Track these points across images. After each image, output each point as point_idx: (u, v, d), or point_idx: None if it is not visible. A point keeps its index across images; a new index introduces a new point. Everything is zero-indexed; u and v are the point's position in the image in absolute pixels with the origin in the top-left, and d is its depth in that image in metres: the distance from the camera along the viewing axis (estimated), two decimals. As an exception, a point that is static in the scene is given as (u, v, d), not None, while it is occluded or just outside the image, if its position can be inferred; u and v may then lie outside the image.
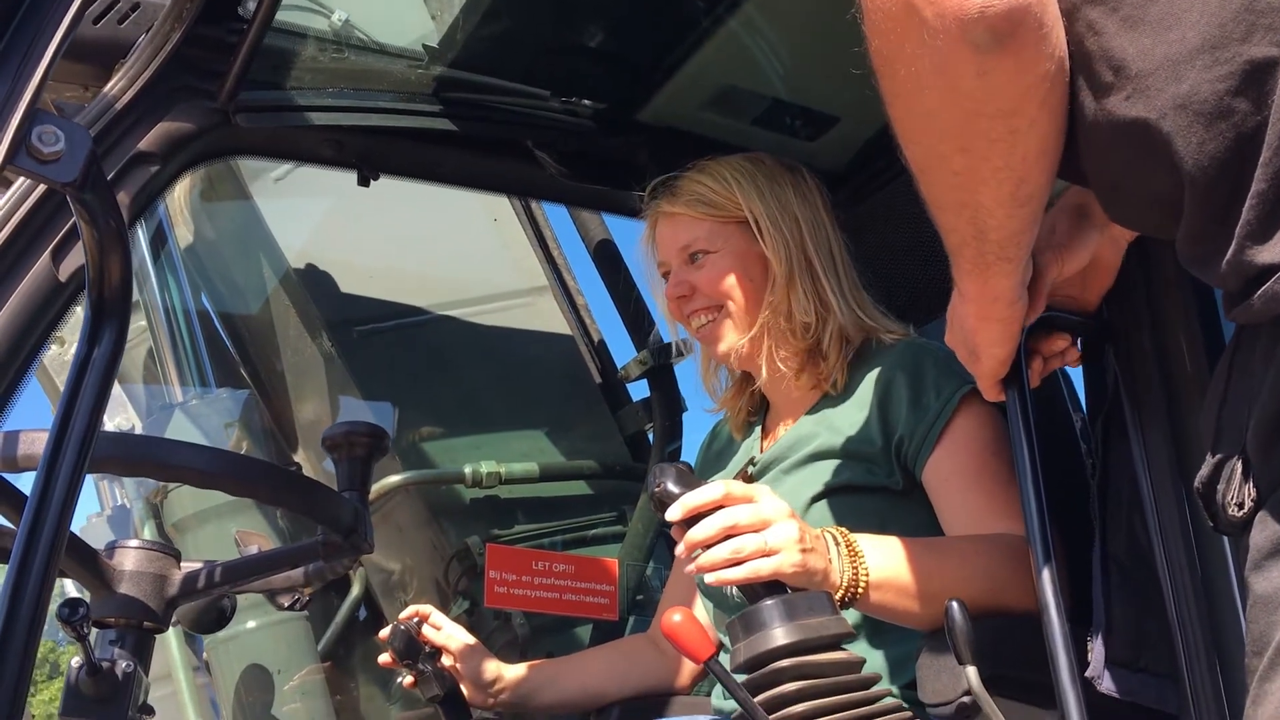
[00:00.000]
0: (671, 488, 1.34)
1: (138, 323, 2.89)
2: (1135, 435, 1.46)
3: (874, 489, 1.70)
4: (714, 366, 2.03)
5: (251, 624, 2.67)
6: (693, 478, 1.37)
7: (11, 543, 1.41)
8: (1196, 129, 0.98)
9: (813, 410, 1.84)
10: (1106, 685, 1.36)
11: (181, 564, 1.42)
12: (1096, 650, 1.38)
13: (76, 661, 1.23)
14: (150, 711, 1.38)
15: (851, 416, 1.76)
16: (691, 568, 1.35)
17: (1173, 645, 1.36)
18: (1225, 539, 1.35)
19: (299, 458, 2.90)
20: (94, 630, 1.23)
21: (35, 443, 1.22)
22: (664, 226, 1.94)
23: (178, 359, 2.85)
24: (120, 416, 2.84)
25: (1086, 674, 1.35)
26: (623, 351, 3.05)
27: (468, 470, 2.71)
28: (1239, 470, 1.03)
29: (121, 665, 1.25)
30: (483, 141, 2.45)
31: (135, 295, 2.76)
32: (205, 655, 2.79)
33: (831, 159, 2.50)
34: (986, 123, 1.09)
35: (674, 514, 1.35)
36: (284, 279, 2.90)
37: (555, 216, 3.18)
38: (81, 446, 0.98)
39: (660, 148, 2.49)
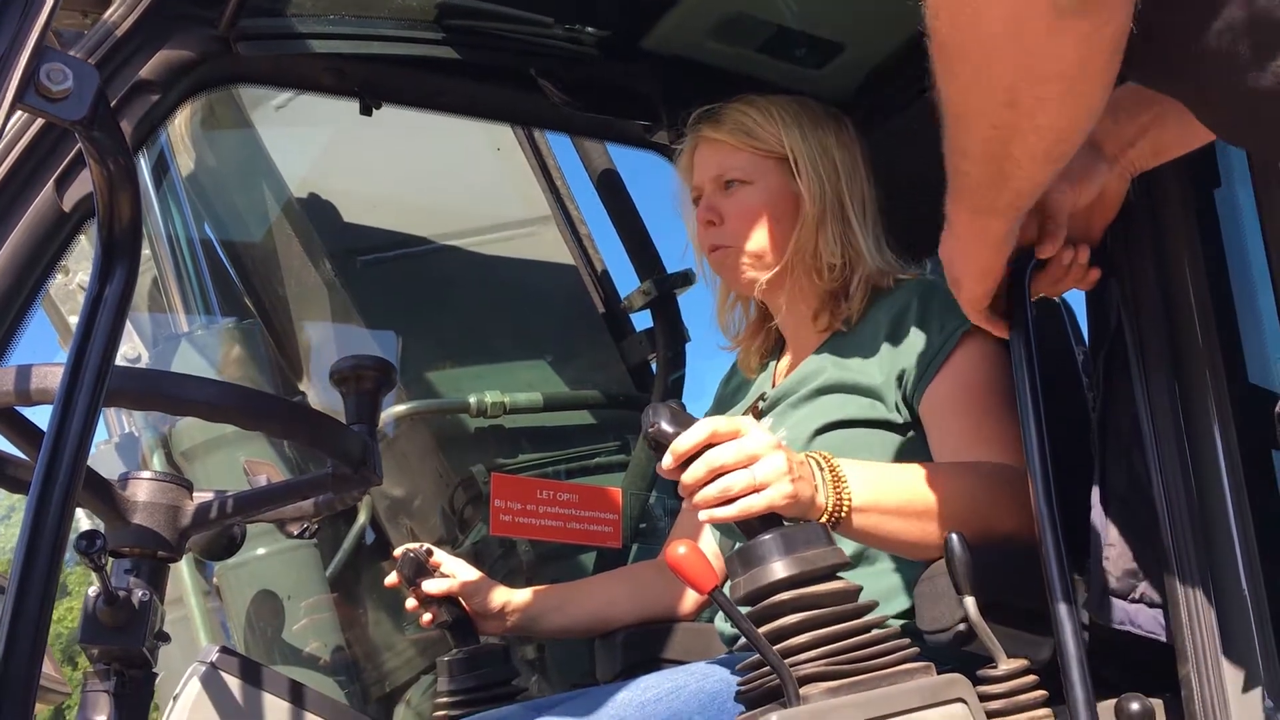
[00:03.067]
0: (665, 427, 1.36)
1: (142, 251, 2.89)
2: (1137, 369, 1.47)
3: (877, 423, 1.73)
4: (730, 303, 2.04)
5: (261, 551, 2.70)
6: (686, 416, 1.38)
7: (28, 475, 1.44)
8: None
9: (823, 346, 1.87)
10: (1104, 615, 1.39)
11: (194, 494, 1.44)
12: (1095, 580, 1.41)
13: (94, 590, 1.26)
14: (166, 638, 1.41)
15: (860, 352, 1.78)
16: (687, 506, 1.38)
17: (1169, 575, 1.39)
18: (1224, 475, 1.38)
19: (303, 386, 2.92)
20: (110, 560, 1.25)
21: (48, 376, 1.23)
22: (703, 151, 1.96)
23: (182, 289, 2.86)
24: (126, 345, 2.85)
25: (1083, 604, 1.38)
26: (626, 282, 3.05)
27: (472, 400, 2.73)
28: None
29: (138, 594, 1.28)
30: (486, 70, 2.43)
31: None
32: (215, 580, 2.83)
33: (837, 87, 2.48)
34: (1041, 84, 1.08)
35: (666, 463, 1.37)
36: (286, 208, 2.89)
37: (558, 146, 3.17)
38: (96, 383, 1.00)
39: (665, 76, 2.48)
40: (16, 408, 1.27)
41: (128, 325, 2.87)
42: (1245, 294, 1.52)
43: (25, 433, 1.30)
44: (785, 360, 1.99)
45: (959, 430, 1.65)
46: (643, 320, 2.99)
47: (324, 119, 2.93)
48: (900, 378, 1.72)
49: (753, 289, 1.92)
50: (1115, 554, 1.42)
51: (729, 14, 2.36)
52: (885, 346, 1.75)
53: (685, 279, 2.88)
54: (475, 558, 2.17)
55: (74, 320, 2.88)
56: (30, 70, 0.90)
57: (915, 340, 1.72)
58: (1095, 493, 1.46)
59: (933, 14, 1.09)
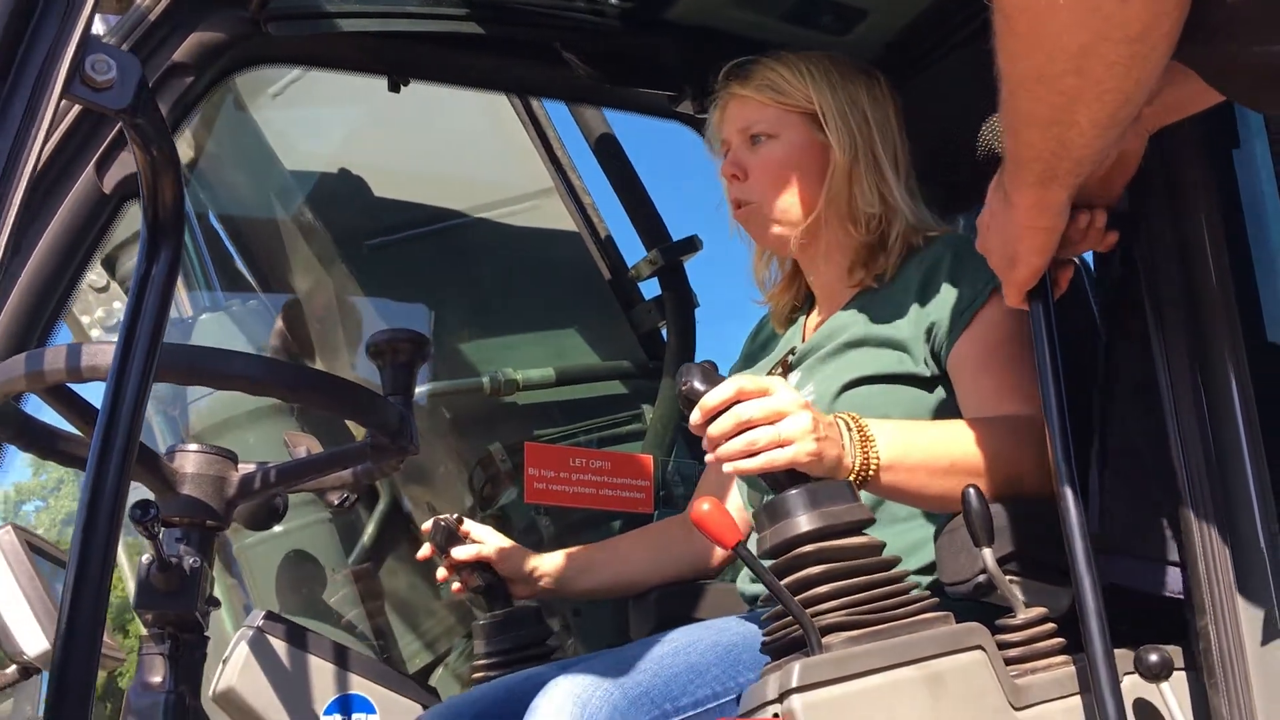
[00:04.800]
0: (697, 385, 1.40)
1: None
2: (1154, 325, 1.49)
3: (905, 377, 1.74)
4: (765, 258, 2.06)
5: (278, 529, 2.73)
6: (717, 375, 1.41)
7: (79, 449, 1.50)
8: None
9: (853, 302, 1.88)
10: (1105, 573, 1.41)
11: (238, 466, 1.49)
12: (1093, 538, 1.43)
13: (147, 558, 1.32)
14: (216, 604, 1.47)
15: (889, 307, 1.80)
16: (710, 458, 1.41)
17: (1185, 531, 1.41)
18: (1241, 430, 1.40)
19: (319, 367, 2.94)
20: (160, 529, 1.31)
21: (98, 354, 1.28)
22: (731, 106, 1.97)
23: (187, 277, 2.89)
24: None
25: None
26: (631, 249, 3.05)
27: (485, 380, 2.75)
28: None
29: (189, 561, 1.34)
30: (512, 44, 2.46)
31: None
32: (236, 557, 2.89)
33: (861, 53, 2.49)
34: (1111, 47, 1.09)
35: (694, 419, 1.41)
36: (287, 192, 2.88)
37: (557, 116, 3.13)
38: (147, 359, 1.05)
39: (689, 46, 2.49)
40: (68, 384, 1.33)
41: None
42: (1263, 253, 1.54)
43: (77, 408, 1.36)
44: (815, 315, 2.01)
45: (986, 384, 1.66)
46: (651, 288, 3.00)
47: (321, 101, 2.96)
48: (930, 331, 1.74)
49: (779, 245, 1.93)
50: (1117, 513, 1.45)
51: (753, -19, 2.38)
52: (916, 301, 1.76)
53: (691, 245, 2.89)
54: (500, 532, 2.20)
55: (85, 319, 2.92)
56: (76, 61, 0.95)
57: (946, 294, 1.74)
58: (1095, 450, 1.48)
59: None
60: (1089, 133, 1.20)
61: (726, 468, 1.39)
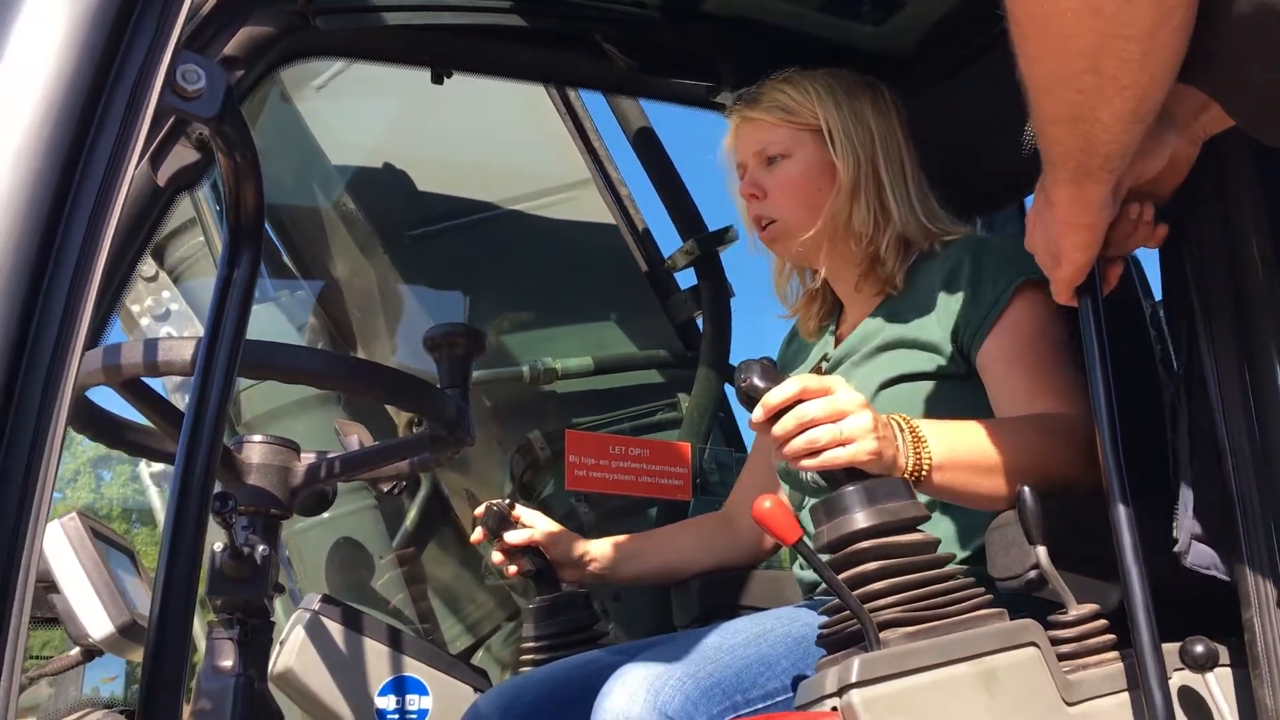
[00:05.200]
0: (757, 382, 1.42)
1: (195, 239, 2.95)
2: (1203, 326, 1.50)
3: (938, 375, 1.78)
4: (786, 272, 2.11)
5: (325, 515, 2.77)
6: (776, 373, 1.44)
7: (143, 438, 1.54)
8: None
9: (879, 309, 1.93)
10: (1191, 559, 1.43)
11: (300, 456, 1.53)
12: (1185, 526, 1.45)
13: (219, 546, 1.36)
14: (281, 589, 1.51)
15: (916, 310, 1.84)
16: (774, 458, 1.44)
17: (1232, 521, 1.43)
18: None
19: (361, 357, 2.97)
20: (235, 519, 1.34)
21: (173, 349, 1.32)
22: (744, 130, 2.03)
23: None
24: (189, 330, 2.93)
25: (1175, 549, 1.42)
26: (667, 240, 3.08)
27: (525, 369, 2.79)
28: None
29: (259, 549, 1.38)
30: (553, 36, 2.48)
31: (191, 214, 2.84)
32: (284, 542, 2.93)
33: (899, 42, 2.50)
34: (1122, 44, 1.11)
35: (756, 416, 1.43)
36: (329, 183, 2.92)
37: (594, 108, 3.16)
38: (230, 357, 1.08)
39: (728, 37, 2.51)
40: (143, 378, 1.37)
41: (188, 311, 2.96)
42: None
43: (149, 400, 1.40)
44: (844, 323, 2.05)
45: (1017, 382, 1.70)
46: (686, 278, 3.04)
47: (364, 94, 2.98)
48: (956, 331, 1.77)
49: (803, 258, 2.00)
50: (1199, 502, 1.46)
51: (790, -27, 2.39)
52: (940, 303, 1.80)
53: (727, 236, 2.92)
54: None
55: (135, 308, 2.95)
56: (170, 72, 0.98)
57: (969, 296, 1.77)
58: (1184, 442, 1.50)
59: None
60: (1114, 128, 1.23)
61: (790, 465, 1.41)
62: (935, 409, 1.73)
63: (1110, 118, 1.21)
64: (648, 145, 2.97)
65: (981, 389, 1.76)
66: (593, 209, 3.11)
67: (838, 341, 2.02)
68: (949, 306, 1.79)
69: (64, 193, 0.91)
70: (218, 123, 1.02)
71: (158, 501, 3.13)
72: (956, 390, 1.78)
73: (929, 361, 1.79)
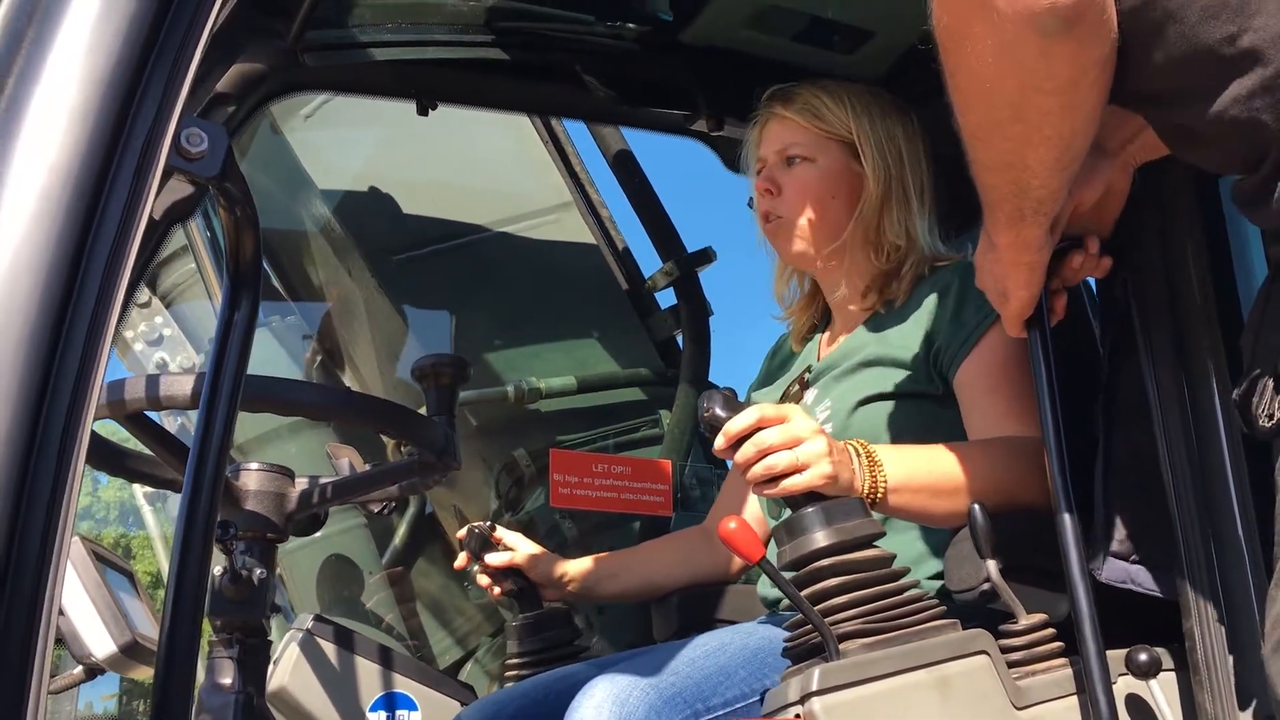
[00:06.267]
0: (719, 412, 1.51)
1: (187, 266, 3.02)
2: (1144, 348, 1.60)
3: (915, 395, 1.85)
4: (787, 275, 2.16)
5: (317, 534, 2.84)
6: (737, 402, 1.52)
7: (145, 466, 1.62)
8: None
9: (866, 324, 1.98)
10: (1106, 574, 1.53)
11: (295, 481, 1.61)
12: (1099, 543, 1.55)
13: (219, 569, 1.44)
14: (277, 610, 1.59)
15: (900, 330, 1.90)
16: (731, 478, 1.51)
17: (1172, 536, 1.53)
18: (1224, 447, 1.51)
19: (346, 379, 3.04)
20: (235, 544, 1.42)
21: (174, 385, 1.41)
22: (771, 125, 2.05)
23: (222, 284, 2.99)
24: (181, 355, 2.99)
25: (1090, 566, 1.52)
26: (647, 261, 3.16)
27: (510, 389, 2.86)
28: (1270, 387, 1.18)
29: (257, 573, 1.46)
30: (534, 68, 2.57)
31: (183, 241, 2.91)
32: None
33: (869, 71, 2.59)
34: (1043, 97, 1.21)
35: (718, 445, 1.52)
36: (316, 210, 2.99)
37: (575, 132, 3.23)
38: (232, 394, 1.16)
39: (703, 67, 2.60)
40: (146, 412, 1.45)
41: (180, 336, 3.03)
42: (1245, 276, 1.64)
43: (151, 432, 1.48)
44: (829, 335, 2.11)
45: (990, 406, 1.77)
46: (667, 298, 3.11)
47: (351, 122, 3.06)
48: (937, 353, 1.84)
49: (802, 261, 2.03)
50: (1118, 519, 1.56)
51: (763, 6, 2.48)
52: (924, 324, 1.87)
53: (705, 257, 3.01)
54: (525, 535, 2.31)
55: (129, 334, 3.01)
56: (176, 136, 1.06)
57: (953, 319, 1.84)
58: (1099, 463, 1.60)
59: (940, 47, 1.23)
60: (1041, 174, 1.32)
61: (754, 490, 1.50)
62: (910, 427, 1.80)
63: (1038, 164, 1.30)
64: (628, 169, 3.05)
65: (956, 410, 1.83)
66: (575, 231, 3.19)
67: (821, 353, 2.08)
68: (932, 328, 1.86)
69: (80, 250, 0.99)
70: (219, 181, 1.10)
71: (151, 518, 3.20)
72: (931, 410, 1.85)
73: (908, 381, 1.85)
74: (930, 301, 1.88)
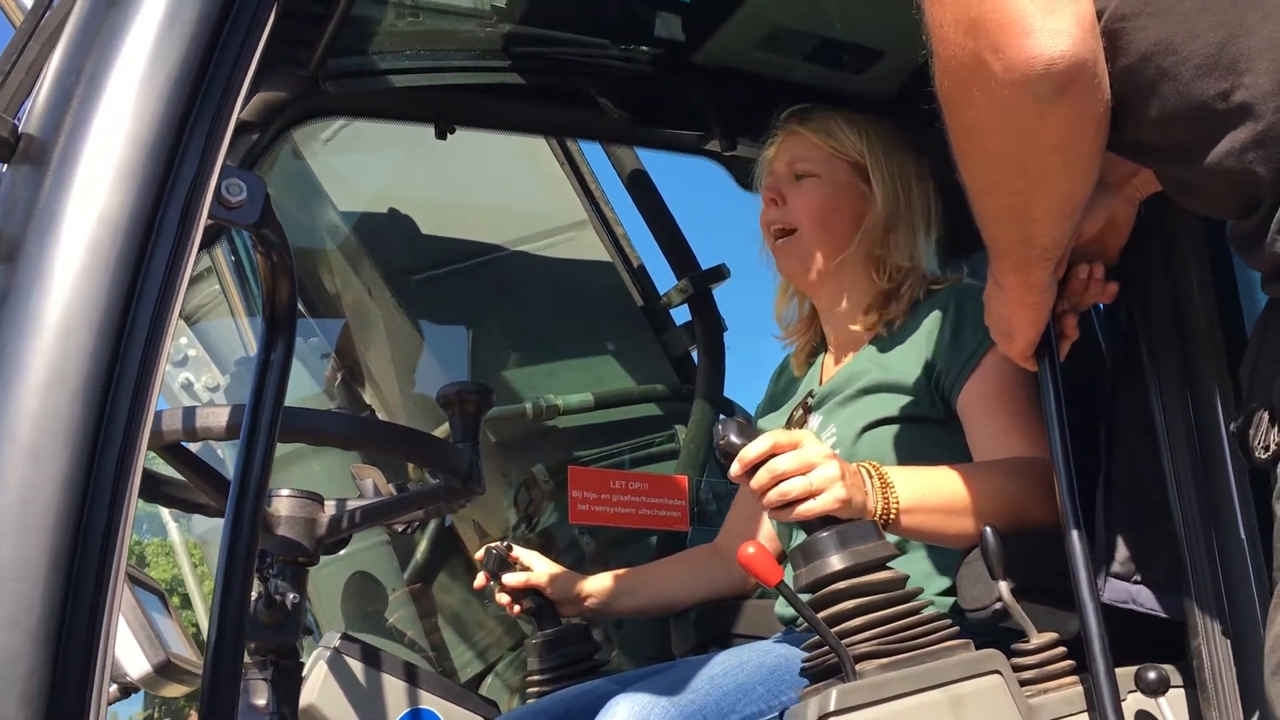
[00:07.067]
0: (734, 439, 1.55)
1: (211, 287, 3.07)
2: (1151, 375, 1.63)
3: (918, 419, 1.89)
4: (789, 295, 2.20)
5: (342, 551, 2.88)
6: (751, 429, 1.57)
7: (180, 491, 1.67)
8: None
9: (866, 348, 2.02)
10: (1108, 595, 1.57)
11: (324, 505, 1.66)
12: (1101, 564, 1.59)
13: (255, 595, 1.48)
14: (309, 631, 1.64)
15: (900, 354, 1.94)
16: (741, 497, 1.54)
17: (1179, 558, 1.56)
18: (1230, 471, 1.55)
19: (366, 396, 3.10)
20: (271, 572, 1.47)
21: (210, 416, 1.46)
22: (785, 140, 2.11)
23: (248, 306, 3.04)
24: (206, 375, 3.04)
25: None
26: (662, 278, 3.20)
27: (529, 406, 2.91)
28: (1266, 420, 1.22)
29: (290, 597, 1.50)
30: (550, 91, 2.62)
31: (208, 263, 2.97)
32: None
33: (880, 89, 2.64)
34: (1043, 156, 1.26)
35: (734, 471, 1.56)
36: (340, 234, 3.05)
37: (590, 152, 3.27)
38: (270, 429, 1.21)
39: (716, 87, 2.65)
40: (182, 443, 1.50)
41: (205, 357, 3.08)
42: (1250, 302, 1.68)
43: (189, 462, 1.53)
44: (830, 359, 2.14)
45: (994, 427, 1.81)
46: (681, 315, 3.16)
47: (370, 146, 3.12)
48: (939, 377, 1.88)
49: (805, 278, 2.06)
50: (1119, 541, 1.60)
51: (775, 27, 2.53)
52: (924, 347, 1.91)
53: (719, 274, 3.06)
54: (543, 550, 2.35)
55: None
56: (217, 187, 1.11)
57: (952, 342, 1.88)
58: (1100, 487, 1.64)
59: (944, 109, 1.28)
60: (1044, 224, 1.38)
61: (770, 515, 1.54)
62: (914, 451, 1.84)
63: (1042, 214, 1.36)
64: (642, 188, 3.10)
65: (959, 432, 1.87)
66: (590, 249, 3.23)
67: (823, 378, 2.12)
68: (932, 352, 1.89)
69: (129, 300, 1.04)
70: (257, 228, 1.15)
71: (176, 534, 3.26)
72: (934, 434, 1.88)
73: (910, 406, 1.89)
74: (929, 324, 1.91)
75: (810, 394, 2.08)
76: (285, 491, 1.62)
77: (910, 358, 1.92)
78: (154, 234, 1.06)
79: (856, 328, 2.05)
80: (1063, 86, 1.18)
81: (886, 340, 1.99)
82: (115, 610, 0.98)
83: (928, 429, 1.88)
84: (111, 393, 1.01)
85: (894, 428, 1.89)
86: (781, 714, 1.53)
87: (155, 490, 1.70)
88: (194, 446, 2.80)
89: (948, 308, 1.91)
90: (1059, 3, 1.16)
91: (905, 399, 1.90)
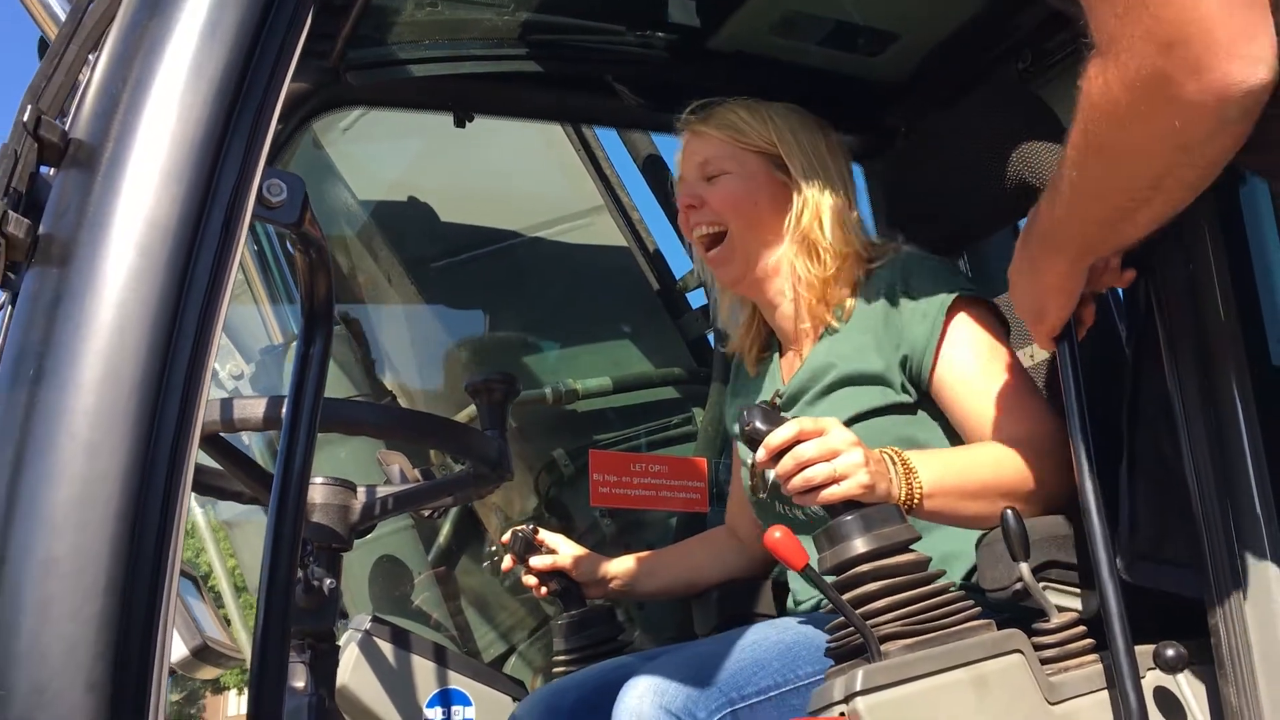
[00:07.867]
0: (759, 425, 1.58)
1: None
2: (1168, 355, 1.66)
3: (891, 409, 1.90)
4: (726, 301, 2.19)
5: (369, 535, 2.91)
6: (777, 415, 1.60)
7: (218, 480, 1.71)
8: None
9: (821, 343, 2.01)
10: (1132, 575, 1.59)
11: (357, 493, 1.70)
12: (1123, 545, 1.62)
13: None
14: (345, 615, 1.68)
15: (857, 343, 1.93)
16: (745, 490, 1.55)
17: (1197, 537, 1.59)
18: (1246, 450, 1.57)
19: (387, 381, 3.13)
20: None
21: (248, 408, 1.49)
22: (691, 142, 2.10)
23: (271, 293, 3.08)
24: (230, 363, 3.07)
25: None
26: (677, 262, 3.23)
27: (548, 391, 2.93)
28: None
29: (327, 583, 1.54)
30: (566, 78, 2.64)
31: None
32: None
33: (895, 72, 2.66)
34: (1186, 170, 1.26)
35: (759, 458, 1.58)
36: (359, 221, 3.06)
37: (605, 138, 3.28)
38: (311, 421, 1.25)
39: (731, 72, 2.66)
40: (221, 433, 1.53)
41: (229, 345, 3.12)
42: (1266, 283, 1.70)
43: (227, 452, 1.57)
44: (787, 356, 2.12)
45: (979, 409, 1.82)
46: (697, 298, 3.18)
47: (389, 135, 3.14)
48: (903, 363, 1.88)
49: (745, 281, 2.04)
50: (1142, 521, 1.63)
51: (790, 12, 2.53)
52: (879, 332, 1.90)
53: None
54: (565, 533, 2.39)
55: None
56: (259, 189, 1.14)
57: (906, 320, 1.87)
58: (1123, 467, 1.66)
59: (1093, 111, 1.24)
60: (1145, 227, 1.38)
61: (796, 500, 1.58)
62: (896, 440, 1.83)
63: (1146, 221, 1.36)
64: (657, 172, 3.12)
65: (936, 415, 1.88)
66: (607, 234, 3.25)
67: (785, 377, 2.09)
68: (888, 337, 1.89)
69: (177, 300, 1.07)
70: (297, 227, 1.18)
71: (201, 517, 3.30)
72: (911, 420, 1.90)
73: (880, 396, 1.89)
74: (880, 306, 1.90)
75: (778, 394, 2.06)
76: (320, 479, 1.66)
77: (869, 346, 1.91)
78: (200, 235, 1.09)
79: (806, 323, 2.03)
80: (1248, 111, 1.16)
81: (840, 329, 1.97)
82: (172, 598, 1.02)
83: (903, 416, 1.89)
84: (164, 389, 1.04)
85: (870, 420, 1.89)
86: (797, 687, 1.57)
87: (197, 481, 1.73)
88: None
89: (894, 286, 1.90)
90: (1260, 29, 1.14)
91: (875, 389, 1.89)
